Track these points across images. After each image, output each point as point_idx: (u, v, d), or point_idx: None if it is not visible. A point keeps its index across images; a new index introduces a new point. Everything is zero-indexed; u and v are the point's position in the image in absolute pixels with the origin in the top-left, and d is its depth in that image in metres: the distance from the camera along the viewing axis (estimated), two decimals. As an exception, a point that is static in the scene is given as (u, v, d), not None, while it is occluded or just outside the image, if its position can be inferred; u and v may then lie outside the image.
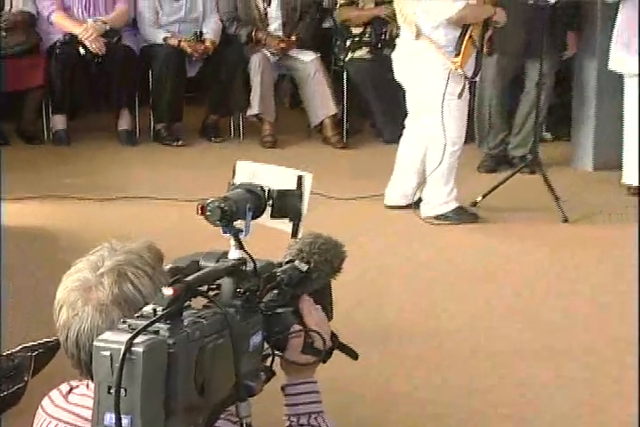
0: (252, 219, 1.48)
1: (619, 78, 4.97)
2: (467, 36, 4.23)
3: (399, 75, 4.52)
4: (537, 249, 4.25)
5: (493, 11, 4.36)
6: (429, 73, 4.29)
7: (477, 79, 4.53)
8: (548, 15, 4.60)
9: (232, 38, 5.96)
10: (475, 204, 4.66)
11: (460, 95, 4.29)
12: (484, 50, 5.02)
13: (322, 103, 5.92)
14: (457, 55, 4.22)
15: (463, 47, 4.22)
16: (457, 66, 4.21)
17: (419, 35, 4.29)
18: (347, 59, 6.02)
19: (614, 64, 4.84)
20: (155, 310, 1.15)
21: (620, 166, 5.01)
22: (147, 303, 1.19)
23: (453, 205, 4.51)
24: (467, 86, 4.35)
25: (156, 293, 1.23)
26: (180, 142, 5.82)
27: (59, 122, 5.78)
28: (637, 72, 4.74)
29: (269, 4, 5.99)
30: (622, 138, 4.95)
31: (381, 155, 5.26)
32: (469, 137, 5.47)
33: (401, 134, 4.70)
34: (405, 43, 4.44)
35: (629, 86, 4.85)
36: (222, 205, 1.40)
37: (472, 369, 3.16)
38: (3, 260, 3.61)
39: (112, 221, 4.38)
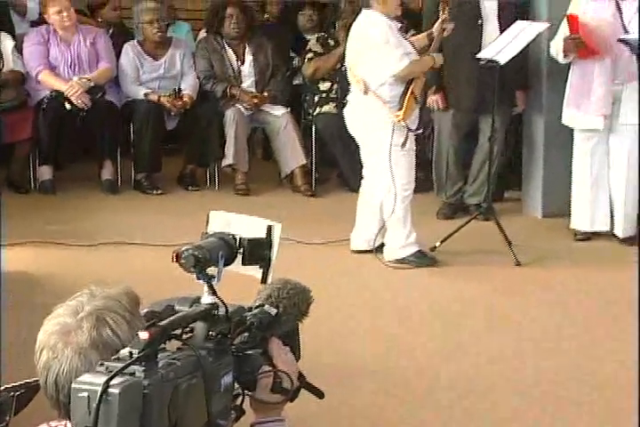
0: (224, 266, 1.49)
1: (564, 132, 5.02)
2: (409, 92, 4.29)
3: (351, 128, 4.57)
4: (492, 291, 4.27)
5: (433, 61, 4.42)
6: (376, 126, 4.35)
7: (421, 131, 4.57)
8: (499, 74, 4.67)
9: (208, 94, 6.00)
10: (434, 248, 4.68)
11: (403, 145, 4.33)
12: (441, 106, 5.13)
13: (292, 154, 5.96)
14: (400, 109, 4.27)
15: (405, 102, 4.28)
16: (400, 119, 4.27)
17: (366, 91, 4.34)
18: (315, 113, 6.08)
19: (566, 119, 4.91)
20: (131, 353, 1.15)
21: (566, 214, 5.05)
22: (124, 346, 1.18)
23: (413, 249, 4.52)
24: (411, 137, 4.38)
25: (132, 336, 1.23)
26: (159, 191, 5.82)
27: (45, 172, 5.76)
28: (586, 127, 4.81)
29: (243, 63, 6.05)
30: (568, 187, 5.01)
31: (347, 202, 5.27)
32: (429, 186, 5.54)
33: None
34: (355, 98, 4.49)
35: (578, 139, 4.90)
36: (196, 252, 1.41)
37: (434, 403, 3.15)
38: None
39: (94, 266, 4.35)
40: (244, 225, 1.66)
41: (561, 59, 4.78)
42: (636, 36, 4.43)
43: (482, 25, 4.97)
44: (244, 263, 1.56)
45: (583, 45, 4.63)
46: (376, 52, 4.29)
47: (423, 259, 4.53)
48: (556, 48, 4.77)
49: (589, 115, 4.75)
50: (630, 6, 4.61)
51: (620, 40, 4.48)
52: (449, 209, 5.40)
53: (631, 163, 4.77)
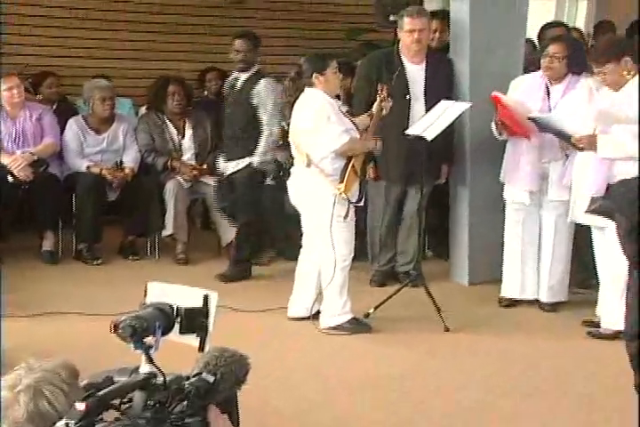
0: (162, 335, 1.48)
1: (488, 203, 5.13)
2: (350, 166, 4.35)
3: (294, 199, 4.61)
4: (423, 356, 4.28)
5: (373, 144, 4.50)
6: (319, 198, 4.39)
7: (362, 203, 4.62)
8: (426, 149, 4.77)
9: (149, 167, 6.01)
10: (367, 315, 4.69)
11: (345, 217, 4.38)
12: (372, 176, 5.20)
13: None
14: (341, 182, 4.33)
15: (347, 176, 4.34)
16: (341, 191, 4.32)
17: (309, 164, 4.40)
18: (252, 184, 6.10)
19: (505, 193, 5.01)
20: (67, 425, 1.12)
21: (492, 281, 5.12)
22: (61, 418, 1.16)
23: (348, 316, 4.53)
24: (352, 209, 4.43)
25: (70, 408, 1.20)
26: (99, 261, 5.74)
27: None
28: (515, 201, 4.92)
29: (183, 137, 6.09)
30: (493, 255, 5.07)
31: (284, 271, 5.28)
32: (363, 255, 5.57)
33: (300, 252, 4.74)
34: (299, 171, 4.54)
35: (509, 211, 5.00)
36: (134, 323, 1.40)
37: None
38: None
39: (34, 337, 4.22)
40: (182, 295, 1.65)
41: (497, 136, 4.90)
42: (543, 115, 4.57)
43: (410, 100, 5.08)
44: (181, 332, 1.55)
45: (507, 125, 4.77)
46: (318, 128, 4.35)
47: (358, 326, 4.53)
48: (493, 127, 4.89)
49: (517, 189, 4.87)
50: (557, 90, 4.77)
51: (529, 118, 4.62)
52: (382, 276, 5.44)
53: (558, 237, 4.88)
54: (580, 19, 7.03)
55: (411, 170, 5.04)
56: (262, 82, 5.28)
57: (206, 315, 1.60)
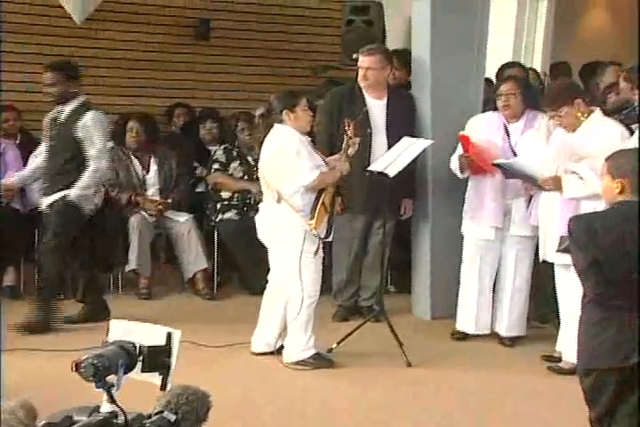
0: (124, 374, 1.47)
1: (450, 238, 5.16)
2: (320, 202, 4.37)
3: (262, 235, 4.60)
4: (384, 390, 4.27)
5: (339, 173, 4.52)
6: (288, 233, 4.39)
7: (331, 239, 4.64)
8: (389, 184, 4.81)
9: (113, 201, 5.97)
10: (330, 350, 4.68)
11: (315, 253, 4.39)
12: (338, 210, 5.21)
13: (194, 259, 5.94)
14: (311, 218, 4.34)
15: (317, 211, 4.34)
16: (311, 227, 4.33)
17: (279, 199, 4.42)
18: (217, 219, 6.10)
19: (463, 229, 5.05)
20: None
21: (453, 315, 5.14)
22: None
23: (311, 351, 4.51)
24: (321, 245, 4.45)
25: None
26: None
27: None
28: (479, 238, 4.96)
29: (148, 172, 6.08)
30: (454, 290, 5.11)
31: (248, 305, 5.24)
32: (326, 289, 5.57)
33: (265, 287, 4.73)
34: (268, 206, 4.54)
35: (469, 246, 5.04)
36: (95, 361, 1.39)
37: None
38: None
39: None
40: (145, 333, 1.64)
41: (459, 174, 4.95)
42: (508, 161, 4.64)
43: (371, 135, 5.13)
44: (143, 370, 1.54)
45: (474, 163, 4.84)
46: (288, 164, 4.36)
47: (321, 361, 4.52)
48: (454, 165, 4.95)
49: (482, 226, 4.92)
50: (516, 129, 4.86)
51: (495, 164, 4.69)
52: (345, 311, 5.43)
53: (518, 272, 4.93)
54: (537, 59, 7.19)
55: (374, 204, 5.07)
56: (89, 114, 4.97)
57: (169, 353, 1.59)
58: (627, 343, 2.78)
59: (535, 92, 5.02)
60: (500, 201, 4.85)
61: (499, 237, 4.92)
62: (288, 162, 4.35)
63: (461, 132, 4.89)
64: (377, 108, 5.20)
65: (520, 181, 4.76)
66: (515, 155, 4.78)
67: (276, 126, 4.47)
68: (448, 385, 4.35)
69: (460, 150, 4.91)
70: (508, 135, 4.85)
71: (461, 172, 4.92)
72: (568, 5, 9.75)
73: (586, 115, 4.32)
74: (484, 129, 4.90)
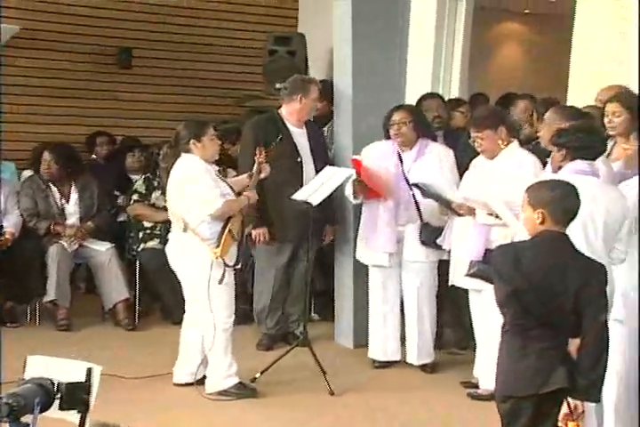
0: (41, 412, 1.43)
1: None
2: (226, 230, 4.35)
3: (173, 264, 4.56)
4: (307, 419, 4.25)
5: (247, 200, 4.53)
6: (196, 262, 4.36)
7: (239, 266, 4.60)
8: (313, 212, 4.83)
9: (31, 231, 5.84)
10: (254, 379, 4.65)
11: (220, 281, 4.35)
12: (265, 239, 5.18)
13: (115, 289, 5.84)
14: (218, 246, 4.31)
15: (223, 239, 4.32)
16: (217, 255, 4.30)
17: (186, 228, 4.39)
18: (139, 249, 6.02)
19: (358, 255, 5.10)
20: None
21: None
22: None
23: (234, 380, 4.47)
24: (230, 272, 4.42)
25: None
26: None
27: None
28: (373, 263, 5.00)
29: (68, 201, 5.97)
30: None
31: (170, 335, 5.16)
32: (249, 318, 5.53)
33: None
34: (175, 236, 4.51)
35: (371, 274, 5.08)
36: (10, 401, 1.35)
37: None
38: None
39: None
40: (63, 369, 1.61)
41: (352, 200, 5.01)
42: (427, 182, 4.71)
43: (301, 162, 5.17)
44: (61, 408, 1.50)
45: (367, 188, 4.89)
46: (194, 193, 4.35)
47: (243, 390, 4.48)
48: (348, 190, 5.00)
49: (376, 252, 4.96)
50: (409, 156, 4.95)
51: (414, 184, 4.76)
52: (269, 340, 5.40)
53: (421, 299, 4.96)
54: (455, 90, 7.35)
55: (300, 232, 5.08)
56: None
57: (88, 389, 1.56)
58: (543, 372, 2.84)
59: (426, 120, 5.15)
60: (393, 227, 4.90)
61: (395, 263, 4.96)
62: (193, 191, 4.34)
63: (354, 157, 4.94)
64: (300, 136, 5.25)
65: (412, 208, 4.85)
66: (407, 182, 4.86)
67: (182, 155, 4.45)
68: (371, 413, 4.36)
69: (354, 175, 4.97)
70: (402, 162, 4.94)
71: (355, 197, 4.97)
72: (484, 38, 10.05)
73: (506, 143, 4.44)
74: (378, 156, 4.97)
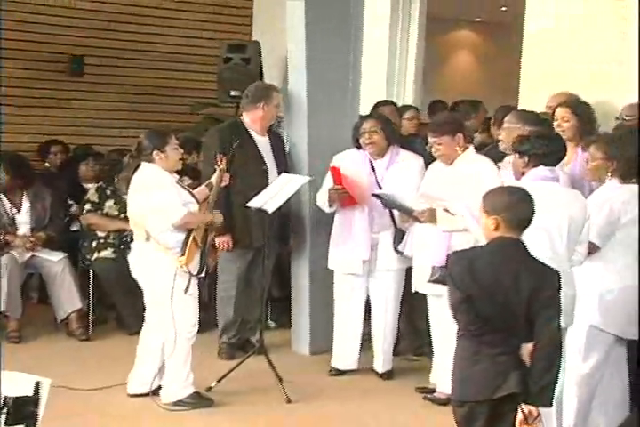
0: (-14, 428, 1.38)
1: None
2: (190, 239, 4.32)
3: (135, 273, 4.50)
4: (265, 428, 4.23)
5: (211, 216, 4.51)
6: (160, 271, 4.32)
7: (203, 275, 4.57)
8: (270, 220, 4.82)
9: (-19, 241, 5.73)
10: (209, 389, 4.60)
11: (186, 290, 4.32)
12: (227, 247, 5.14)
13: (68, 299, 5.75)
14: (182, 255, 4.28)
15: (188, 248, 4.29)
16: (182, 264, 4.27)
17: (148, 237, 4.35)
18: (93, 258, 5.94)
19: (330, 263, 5.07)
20: None
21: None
22: None
23: (190, 390, 4.43)
24: (194, 281, 4.39)
25: None
26: None
27: None
28: (346, 271, 4.99)
29: (19, 211, 5.87)
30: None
31: (125, 345, 5.10)
32: (209, 327, 5.48)
33: (142, 326, 4.61)
34: (138, 245, 4.47)
35: (338, 282, 5.07)
36: (-45, 417, 1.30)
37: None
38: None
39: None
40: (11, 382, 1.56)
41: (326, 209, 5.00)
42: (387, 192, 4.73)
43: (266, 169, 5.15)
44: (7, 424, 1.46)
45: (346, 195, 4.89)
46: (156, 202, 4.31)
47: (199, 400, 4.44)
48: (322, 199, 4.99)
49: (349, 259, 4.96)
50: (381, 164, 4.96)
51: (374, 195, 4.78)
52: (231, 349, 5.34)
53: (389, 306, 4.97)
54: (409, 98, 7.42)
55: (259, 239, 5.05)
56: None
57: (36, 403, 1.52)
58: (497, 377, 2.85)
59: (394, 129, 5.17)
60: (368, 234, 4.91)
61: (366, 270, 4.97)
62: (155, 200, 4.30)
63: (332, 165, 4.95)
64: (264, 143, 5.24)
65: (386, 216, 4.87)
66: (381, 189, 4.87)
67: (143, 165, 4.42)
68: (327, 420, 4.35)
69: (326, 185, 4.97)
70: (374, 171, 4.95)
71: (330, 205, 4.97)
72: (437, 46, 10.15)
73: (463, 149, 4.48)
74: (350, 165, 4.97)
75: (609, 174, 3.77)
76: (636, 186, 3.76)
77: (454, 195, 4.34)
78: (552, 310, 2.86)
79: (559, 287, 2.90)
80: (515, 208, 2.93)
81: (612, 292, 3.69)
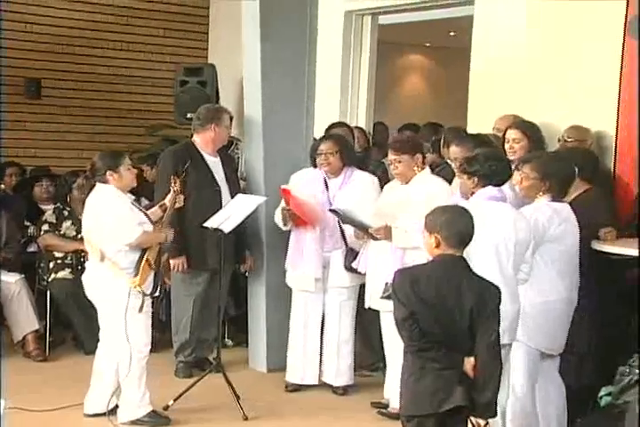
0: None
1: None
2: (144, 259, 4.29)
3: (89, 293, 4.45)
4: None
5: (165, 235, 4.48)
6: (113, 291, 4.28)
7: (157, 294, 4.52)
8: (226, 240, 4.80)
9: None
10: (167, 407, 4.54)
11: (140, 309, 4.28)
12: (183, 268, 5.09)
13: (25, 320, 5.66)
14: (136, 275, 4.26)
15: (141, 268, 4.27)
16: (135, 284, 4.24)
17: (103, 258, 4.30)
18: (50, 279, 5.85)
19: (287, 279, 5.09)
20: None
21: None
22: None
23: (147, 409, 4.37)
24: (147, 300, 4.34)
25: None
26: None
27: None
28: (300, 288, 4.99)
29: (-27, 231, 5.77)
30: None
31: (82, 365, 5.01)
32: (165, 346, 5.40)
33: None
34: (92, 265, 4.42)
35: (294, 298, 5.07)
36: None
37: None
38: None
39: None
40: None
41: (282, 227, 5.01)
42: (344, 208, 4.74)
43: (219, 191, 5.13)
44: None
45: (295, 216, 4.91)
46: (110, 223, 4.28)
47: (156, 419, 4.38)
48: (278, 217, 5.01)
49: (303, 277, 4.97)
50: (335, 184, 4.99)
51: (331, 210, 4.79)
52: (187, 367, 5.28)
53: (343, 322, 4.98)
54: (362, 119, 7.49)
55: (215, 259, 5.00)
56: None
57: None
58: (441, 391, 2.87)
59: (352, 149, 5.22)
60: (319, 253, 4.93)
61: (320, 288, 4.98)
62: (110, 221, 4.28)
63: (283, 186, 4.96)
64: (216, 164, 5.22)
65: (338, 234, 4.90)
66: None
67: (98, 186, 4.39)
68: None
69: (283, 203, 4.98)
70: (328, 189, 4.97)
71: (284, 224, 4.98)
72: (388, 70, 10.25)
73: (420, 169, 4.52)
74: (305, 183, 5.01)
75: (540, 193, 3.83)
76: (561, 204, 3.83)
77: (408, 213, 4.36)
78: (491, 323, 2.89)
79: (499, 302, 2.92)
80: (451, 226, 2.96)
81: (534, 307, 3.71)
